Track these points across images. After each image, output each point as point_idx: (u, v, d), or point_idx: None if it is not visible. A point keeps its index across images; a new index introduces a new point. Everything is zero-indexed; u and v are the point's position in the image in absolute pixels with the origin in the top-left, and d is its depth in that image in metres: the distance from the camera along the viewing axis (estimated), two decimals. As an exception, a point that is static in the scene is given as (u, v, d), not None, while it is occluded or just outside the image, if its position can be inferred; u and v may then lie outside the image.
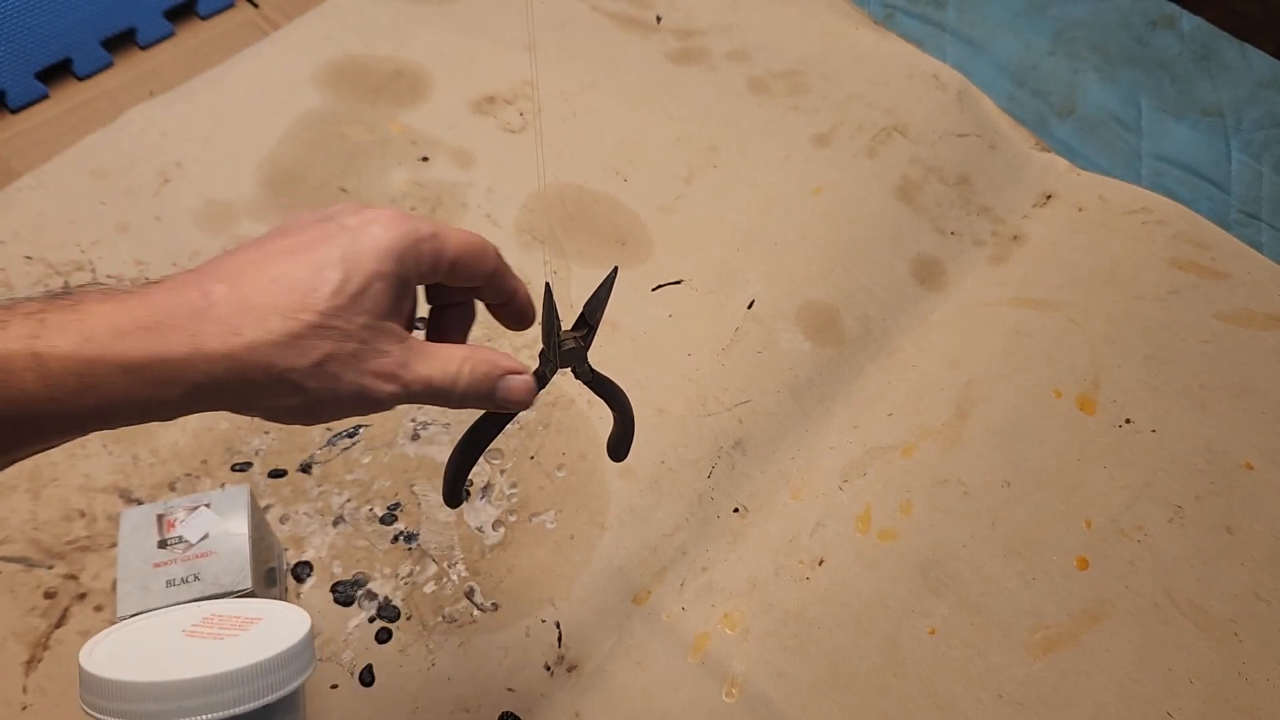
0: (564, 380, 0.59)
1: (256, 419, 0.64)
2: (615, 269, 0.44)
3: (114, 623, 0.54)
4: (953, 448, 0.66)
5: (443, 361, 0.36)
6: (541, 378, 0.40)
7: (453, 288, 0.38)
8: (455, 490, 0.44)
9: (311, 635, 0.33)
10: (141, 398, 0.31)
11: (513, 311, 0.41)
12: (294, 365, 0.32)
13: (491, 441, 0.43)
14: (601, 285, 0.43)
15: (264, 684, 0.31)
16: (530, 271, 0.64)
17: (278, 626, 0.33)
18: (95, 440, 0.62)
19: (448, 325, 0.41)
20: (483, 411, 0.42)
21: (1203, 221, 0.78)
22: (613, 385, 0.45)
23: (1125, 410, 0.68)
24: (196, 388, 0.31)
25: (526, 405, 0.39)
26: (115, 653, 0.31)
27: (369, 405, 0.35)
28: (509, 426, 0.45)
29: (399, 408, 0.41)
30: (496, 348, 0.45)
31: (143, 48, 0.85)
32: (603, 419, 0.65)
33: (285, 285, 0.32)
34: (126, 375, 0.30)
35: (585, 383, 0.43)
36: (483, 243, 0.37)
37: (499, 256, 0.39)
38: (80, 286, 0.32)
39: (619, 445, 0.48)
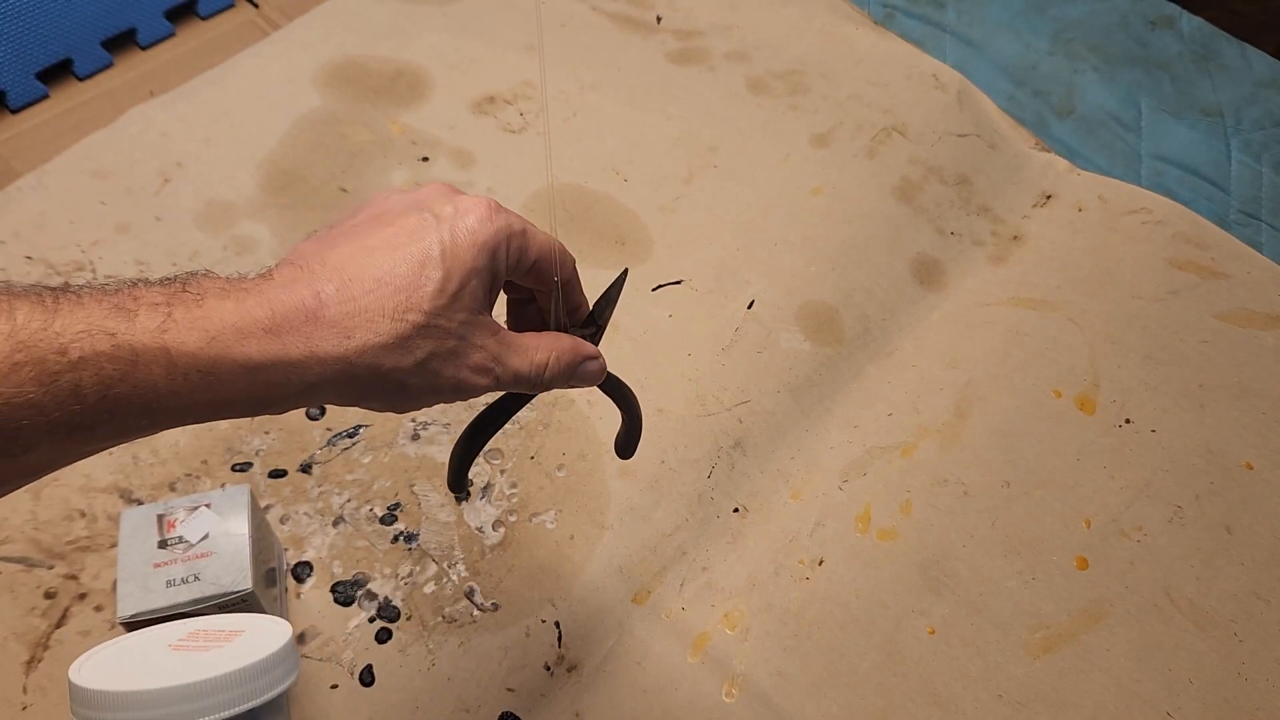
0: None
1: (257, 418, 0.64)
2: (625, 271, 0.44)
3: (114, 623, 0.54)
4: (952, 447, 0.66)
5: (531, 353, 0.38)
6: None
7: (520, 284, 0.40)
8: (460, 478, 0.44)
9: (292, 643, 0.34)
10: (259, 395, 0.32)
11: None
12: (399, 365, 0.34)
13: (498, 430, 0.43)
14: (612, 285, 0.43)
15: (245, 690, 0.31)
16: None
17: (260, 637, 0.34)
18: (95, 440, 0.62)
19: (526, 317, 0.43)
20: (488, 402, 0.43)
21: (1202, 221, 0.78)
22: (619, 383, 0.45)
23: (1125, 410, 0.68)
24: (310, 386, 0.33)
25: (597, 384, 0.43)
26: (104, 668, 0.32)
27: (462, 395, 0.37)
28: (508, 426, 0.45)
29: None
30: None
31: (143, 48, 0.84)
32: (603, 419, 0.65)
33: (390, 286, 0.33)
34: (247, 374, 0.31)
35: None
36: (563, 249, 0.39)
37: (574, 267, 0.40)
38: (194, 274, 0.33)
39: (627, 443, 0.48)
